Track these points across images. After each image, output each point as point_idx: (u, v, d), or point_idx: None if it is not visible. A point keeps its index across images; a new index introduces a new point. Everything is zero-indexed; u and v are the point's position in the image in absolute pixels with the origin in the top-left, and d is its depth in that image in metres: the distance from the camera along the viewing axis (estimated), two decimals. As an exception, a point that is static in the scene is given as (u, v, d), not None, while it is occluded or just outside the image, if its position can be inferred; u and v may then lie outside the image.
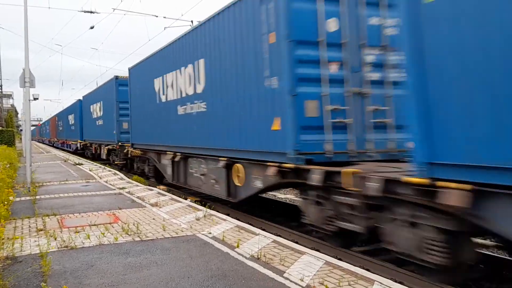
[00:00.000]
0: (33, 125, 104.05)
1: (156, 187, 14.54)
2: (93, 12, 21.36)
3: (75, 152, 36.10)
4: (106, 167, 21.61)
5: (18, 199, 11.29)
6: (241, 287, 4.76)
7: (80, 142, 33.47)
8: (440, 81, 4.83)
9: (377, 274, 5.40)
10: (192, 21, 19.19)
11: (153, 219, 8.65)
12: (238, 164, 9.57)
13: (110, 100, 22.27)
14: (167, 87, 13.86)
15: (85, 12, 21.21)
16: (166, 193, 12.42)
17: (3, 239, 6.70)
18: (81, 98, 33.04)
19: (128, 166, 21.10)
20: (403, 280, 5.86)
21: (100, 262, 5.79)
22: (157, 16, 21.89)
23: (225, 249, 6.31)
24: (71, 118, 38.69)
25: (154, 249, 6.37)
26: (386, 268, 6.41)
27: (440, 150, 4.80)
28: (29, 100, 13.99)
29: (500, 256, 7.19)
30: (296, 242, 7.47)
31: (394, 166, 6.74)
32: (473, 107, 4.46)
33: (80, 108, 33.34)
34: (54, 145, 56.67)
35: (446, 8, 4.72)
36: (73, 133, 37.17)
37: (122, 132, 20.71)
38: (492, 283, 6.18)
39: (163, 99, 14.25)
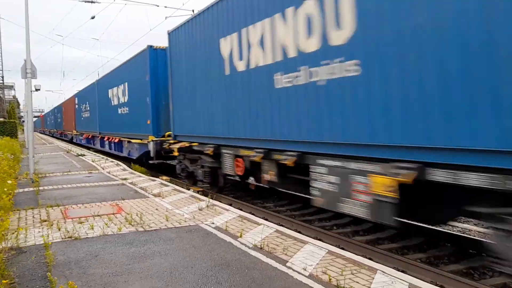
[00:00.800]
0: (35, 116, 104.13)
1: (158, 177, 14.56)
2: (94, 2, 21.23)
3: (139, 162, 17.84)
4: (108, 158, 21.63)
5: (21, 190, 11.34)
6: (244, 276, 4.79)
7: (158, 142, 14.75)
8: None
9: (379, 263, 5.42)
10: (193, 11, 19.07)
11: (156, 209, 8.68)
12: None
13: None
14: None
15: (86, 2, 21.10)
16: (169, 184, 12.45)
17: (8, 231, 6.74)
18: (156, 44, 15.53)
19: None
20: (406, 269, 5.89)
21: (104, 252, 5.82)
22: (158, 6, 21.76)
23: (228, 239, 6.34)
24: (116, 94, 20.75)
25: (158, 239, 6.41)
26: (388, 257, 6.43)
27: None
28: (31, 91, 14.01)
29: (464, 235, 7.59)
30: (299, 232, 7.50)
31: None
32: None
33: (153, 66, 15.23)
34: (74, 140, 38.51)
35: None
36: (125, 122, 19.23)
37: None
38: (495, 271, 6.20)
39: None
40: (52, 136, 63.88)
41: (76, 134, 36.64)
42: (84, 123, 31.36)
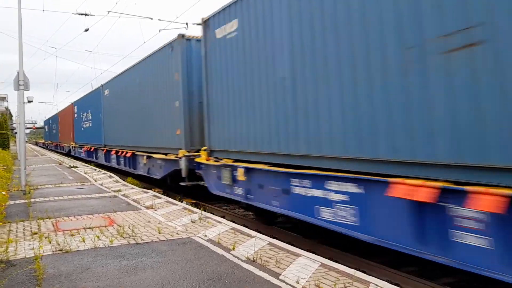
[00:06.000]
0: (28, 128, 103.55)
1: (151, 189, 14.49)
2: (88, 15, 21.28)
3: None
4: (101, 170, 21.51)
5: (12, 202, 11.23)
6: (236, 290, 4.74)
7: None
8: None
9: (372, 276, 5.40)
10: (187, 23, 19.17)
11: (149, 221, 8.62)
12: None
13: None
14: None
15: (79, 14, 21.13)
16: (161, 196, 12.39)
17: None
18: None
19: None
20: (399, 282, 5.87)
21: (95, 265, 5.76)
22: (151, 19, 21.85)
23: (220, 251, 6.30)
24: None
25: (150, 252, 6.35)
26: (382, 269, 6.41)
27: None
28: (23, 103, 13.93)
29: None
30: (292, 244, 7.47)
31: None
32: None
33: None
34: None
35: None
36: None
37: None
38: (489, 284, 6.19)
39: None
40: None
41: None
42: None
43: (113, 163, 21.05)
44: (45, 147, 71.19)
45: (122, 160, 19.11)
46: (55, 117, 50.13)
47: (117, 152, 19.81)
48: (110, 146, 21.43)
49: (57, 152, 49.28)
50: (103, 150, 22.89)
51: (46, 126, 66.28)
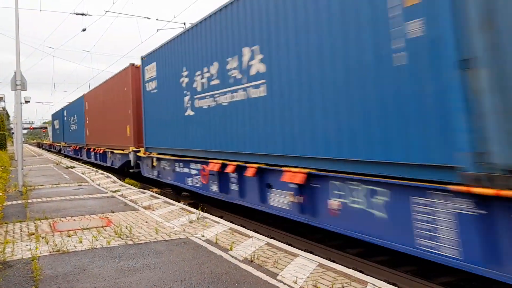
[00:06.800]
0: (25, 128, 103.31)
1: (149, 189, 14.47)
2: (85, 15, 21.26)
3: None
4: (98, 170, 21.48)
5: (9, 202, 11.20)
6: (234, 290, 4.74)
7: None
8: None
9: (370, 276, 5.41)
10: (184, 23, 19.17)
11: (146, 222, 8.61)
12: None
13: None
14: None
15: (77, 14, 21.11)
16: (159, 196, 12.37)
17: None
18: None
19: None
20: (396, 282, 5.88)
21: (92, 266, 5.75)
22: (149, 18, 21.84)
23: (218, 252, 6.29)
24: None
25: (147, 253, 6.34)
26: (379, 269, 6.42)
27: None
28: (21, 103, 13.93)
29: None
30: (290, 244, 7.48)
31: None
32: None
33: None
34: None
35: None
36: None
37: None
38: (485, 283, 6.21)
39: None
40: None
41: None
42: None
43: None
44: (52, 149, 54.06)
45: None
46: (76, 104, 31.28)
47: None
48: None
49: (85, 162, 28.93)
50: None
51: (55, 121, 47.32)
